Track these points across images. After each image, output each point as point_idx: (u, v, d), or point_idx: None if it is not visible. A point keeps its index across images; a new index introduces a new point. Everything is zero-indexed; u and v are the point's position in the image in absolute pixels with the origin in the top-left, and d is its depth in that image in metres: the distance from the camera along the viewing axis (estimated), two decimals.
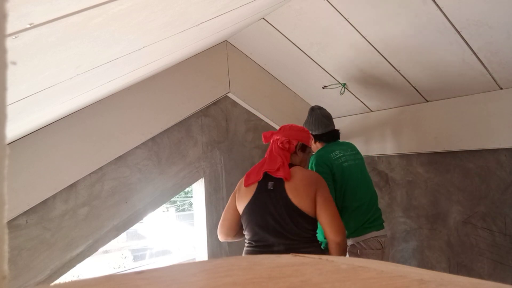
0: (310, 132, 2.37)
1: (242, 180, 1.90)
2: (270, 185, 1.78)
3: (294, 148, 1.87)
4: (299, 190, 1.71)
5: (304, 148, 1.95)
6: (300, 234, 1.70)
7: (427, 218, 2.55)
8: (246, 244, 1.82)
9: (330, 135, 2.39)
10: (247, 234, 1.81)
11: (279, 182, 1.76)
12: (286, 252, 1.54)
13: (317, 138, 2.39)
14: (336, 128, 2.44)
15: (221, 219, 1.95)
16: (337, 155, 2.27)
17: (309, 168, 2.26)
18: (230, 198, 1.95)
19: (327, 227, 1.69)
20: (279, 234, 1.70)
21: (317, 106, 2.50)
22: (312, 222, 1.73)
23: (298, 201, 1.70)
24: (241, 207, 1.84)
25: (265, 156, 1.91)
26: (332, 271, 0.35)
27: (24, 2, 0.53)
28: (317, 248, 1.77)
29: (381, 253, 2.15)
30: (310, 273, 0.35)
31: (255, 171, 1.86)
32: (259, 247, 1.74)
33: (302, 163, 1.95)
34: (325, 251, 1.85)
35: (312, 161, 2.28)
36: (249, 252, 1.78)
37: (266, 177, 1.80)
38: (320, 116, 2.40)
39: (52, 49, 0.83)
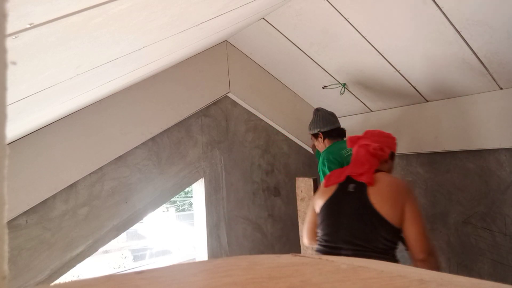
0: (319, 129, 2.42)
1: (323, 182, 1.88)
2: (351, 187, 1.71)
3: (387, 156, 1.79)
4: (384, 195, 1.60)
5: (393, 156, 1.87)
6: (373, 241, 1.55)
7: (427, 218, 2.55)
8: (318, 242, 1.77)
9: (339, 132, 2.45)
10: (319, 232, 1.76)
11: (361, 186, 1.67)
12: None
13: (326, 135, 2.43)
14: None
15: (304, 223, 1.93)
16: (348, 152, 2.29)
17: (320, 164, 2.28)
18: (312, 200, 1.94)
19: (411, 244, 1.55)
20: (349, 238, 1.60)
21: (320, 107, 2.57)
22: (392, 231, 1.55)
23: (381, 206, 1.57)
24: (318, 207, 1.81)
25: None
26: (332, 271, 0.35)
27: (24, 2, 0.53)
28: (387, 261, 1.56)
29: None
30: (310, 273, 0.35)
31: (337, 173, 1.83)
32: (327, 248, 1.67)
33: (390, 170, 1.86)
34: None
35: (323, 157, 2.29)
36: (317, 250, 1.72)
37: (348, 180, 1.74)
38: (326, 114, 2.47)
39: (52, 49, 0.83)
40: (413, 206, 1.58)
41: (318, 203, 1.81)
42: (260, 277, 0.33)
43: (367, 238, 1.56)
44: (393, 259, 1.58)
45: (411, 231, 1.54)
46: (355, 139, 1.89)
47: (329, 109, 2.62)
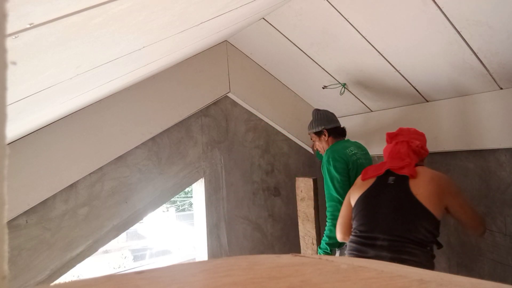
0: (323, 127, 2.40)
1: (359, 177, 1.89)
2: (391, 179, 1.72)
3: (427, 154, 1.86)
4: (427, 187, 1.61)
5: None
6: (413, 232, 1.54)
7: None
8: (352, 233, 1.76)
9: (341, 131, 2.45)
10: (354, 223, 1.75)
11: (403, 178, 1.68)
12: (389, 249, 1.42)
13: (330, 132, 2.41)
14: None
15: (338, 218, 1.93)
16: (352, 151, 2.28)
17: (325, 163, 2.26)
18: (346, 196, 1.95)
19: (467, 226, 1.67)
20: (387, 228, 1.59)
21: (318, 108, 2.57)
22: (434, 222, 1.56)
23: (424, 197, 1.58)
24: (354, 199, 1.80)
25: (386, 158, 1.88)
26: (332, 271, 0.35)
27: (24, 2, 0.53)
28: (424, 254, 1.53)
29: None
30: (310, 273, 0.35)
31: (375, 167, 1.84)
32: (362, 238, 1.67)
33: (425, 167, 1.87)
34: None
35: (328, 155, 2.26)
36: (352, 241, 1.71)
37: (388, 173, 1.75)
38: (328, 113, 2.47)
39: (52, 49, 0.83)
40: (458, 195, 1.63)
41: (354, 196, 1.80)
42: (260, 277, 0.33)
43: (408, 228, 1.55)
44: (430, 252, 1.57)
45: (464, 217, 1.63)
46: (393, 136, 1.92)
47: (329, 109, 2.62)
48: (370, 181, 1.78)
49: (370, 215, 1.69)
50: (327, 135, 2.41)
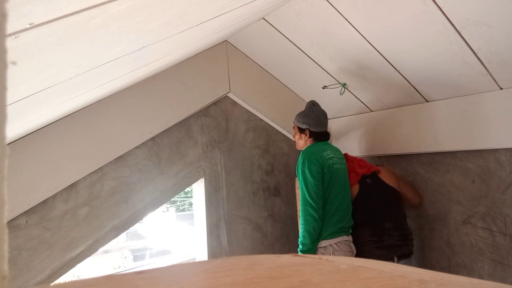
0: (308, 126, 2.34)
1: None
2: (368, 181, 2.45)
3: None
4: (390, 178, 2.48)
5: None
6: (403, 210, 2.50)
7: (427, 218, 2.55)
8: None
9: (325, 135, 2.39)
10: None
11: (375, 176, 2.48)
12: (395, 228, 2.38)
13: (312, 135, 2.35)
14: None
15: None
16: (328, 155, 2.26)
17: (300, 164, 2.23)
18: None
19: (412, 201, 2.52)
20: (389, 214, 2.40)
21: (315, 101, 2.47)
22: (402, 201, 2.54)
23: (393, 184, 2.45)
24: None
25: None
26: (332, 271, 0.35)
27: (24, 2, 0.53)
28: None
29: (352, 256, 2.18)
30: (310, 273, 0.35)
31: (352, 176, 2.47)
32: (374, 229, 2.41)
33: None
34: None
35: (303, 157, 2.23)
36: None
37: (364, 177, 2.46)
38: (321, 114, 2.39)
39: (52, 49, 0.83)
40: (404, 180, 2.59)
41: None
42: (260, 277, 0.33)
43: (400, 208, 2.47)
44: None
45: (411, 194, 2.51)
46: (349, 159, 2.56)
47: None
48: (356, 187, 2.43)
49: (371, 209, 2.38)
50: (308, 135, 2.35)
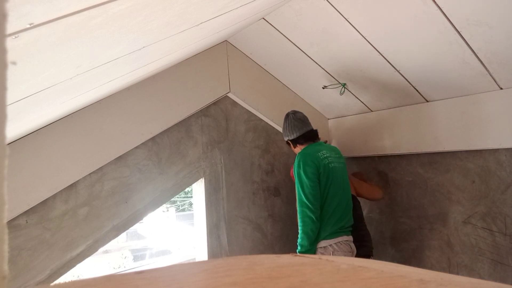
0: (287, 138, 2.44)
1: None
2: None
3: None
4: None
5: None
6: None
7: (427, 218, 2.55)
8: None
9: (307, 136, 2.40)
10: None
11: None
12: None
13: (295, 142, 2.41)
14: (313, 128, 2.45)
15: None
16: (324, 154, 2.27)
17: (296, 166, 2.27)
18: None
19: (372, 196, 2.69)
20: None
21: (292, 111, 2.51)
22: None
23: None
24: None
25: None
26: (332, 271, 0.35)
27: (24, 2, 0.53)
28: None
29: (352, 256, 2.18)
30: (310, 273, 0.35)
31: None
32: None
33: None
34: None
35: (299, 159, 2.26)
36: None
37: None
38: (292, 121, 2.41)
39: (52, 49, 0.83)
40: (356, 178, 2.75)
41: None
42: (260, 277, 0.33)
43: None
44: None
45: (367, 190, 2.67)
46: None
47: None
48: None
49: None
50: (292, 145, 2.45)
